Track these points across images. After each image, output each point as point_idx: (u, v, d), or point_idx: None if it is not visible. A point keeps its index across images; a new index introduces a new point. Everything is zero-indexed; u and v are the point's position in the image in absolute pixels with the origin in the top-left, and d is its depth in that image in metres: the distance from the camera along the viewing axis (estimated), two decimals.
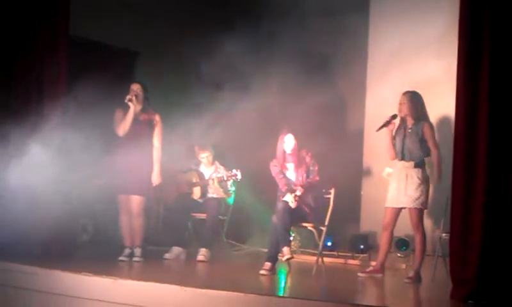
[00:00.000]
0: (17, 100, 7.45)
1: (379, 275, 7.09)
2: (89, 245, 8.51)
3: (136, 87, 7.59)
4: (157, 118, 7.65)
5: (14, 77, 7.58)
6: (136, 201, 7.51)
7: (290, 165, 7.49)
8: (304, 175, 7.40)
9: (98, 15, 9.08)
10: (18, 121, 7.15)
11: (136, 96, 7.52)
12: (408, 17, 9.17)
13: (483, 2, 5.68)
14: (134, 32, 9.58)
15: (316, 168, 7.41)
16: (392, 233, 7.07)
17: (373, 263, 7.33)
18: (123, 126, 7.51)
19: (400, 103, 6.99)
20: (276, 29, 9.45)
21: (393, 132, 7.07)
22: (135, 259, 7.45)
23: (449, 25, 6.70)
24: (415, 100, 6.96)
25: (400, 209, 6.97)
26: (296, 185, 7.35)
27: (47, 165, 7.14)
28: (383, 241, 7.11)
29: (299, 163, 7.44)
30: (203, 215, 8.07)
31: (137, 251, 7.52)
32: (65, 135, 7.41)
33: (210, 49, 9.34)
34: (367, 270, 7.20)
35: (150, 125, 7.62)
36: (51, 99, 7.55)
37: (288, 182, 7.38)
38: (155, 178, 7.59)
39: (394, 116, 7.04)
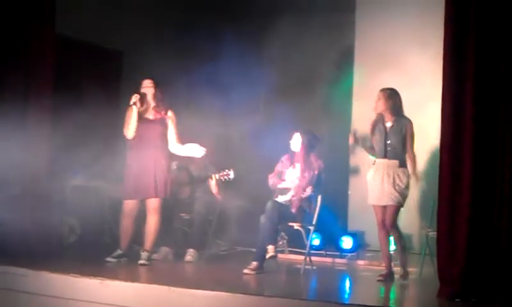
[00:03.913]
0: (3, 100, 7.35)
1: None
2: (77, 246, 8.47)
3: (145, 85, 7.29)
4: (169, 114, 7.35)
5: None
6: (152, 201, 7.28)
7: (297, 164, 7.46)
8: (307, 176, 7.33)
9: (84, 14, 9.04)
10: (3, 119, 7.08)
11: (141, 97, 7.21)
12: (394, 18, 9.21)
13: (468, 3, 5.72)
14: (120, 31, 9.55)
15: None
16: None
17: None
18: (130, 128, 7.21)
19: (376, 100, 6.89)
20: (263, 31, 9.45)
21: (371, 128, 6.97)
22: (141, 262, 7.21)
23: (435, 24, 6.72)
24: (392, 96, 6.86)
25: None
26: (299, 186, 7.32)
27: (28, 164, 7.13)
28: (381, 240, 6.94)
29: (305, 165, 7.37)
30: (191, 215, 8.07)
31: (144, 255, 7.25)
32: (48, 135, 7.40)
33: (197, 50, 9.36)
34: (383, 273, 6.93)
35: (163, 124, 7.32)
36: (37, 98, 7.47)
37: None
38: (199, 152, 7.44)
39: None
